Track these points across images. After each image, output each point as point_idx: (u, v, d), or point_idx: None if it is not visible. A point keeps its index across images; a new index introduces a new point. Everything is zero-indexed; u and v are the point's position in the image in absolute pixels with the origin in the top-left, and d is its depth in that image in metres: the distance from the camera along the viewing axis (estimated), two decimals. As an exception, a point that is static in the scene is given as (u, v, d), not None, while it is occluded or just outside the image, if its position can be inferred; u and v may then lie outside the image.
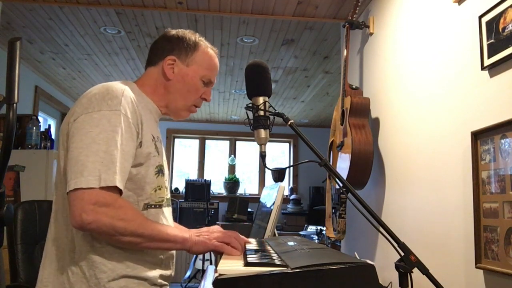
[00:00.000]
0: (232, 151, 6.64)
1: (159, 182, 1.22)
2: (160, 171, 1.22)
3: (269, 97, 1.21)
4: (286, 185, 6.58)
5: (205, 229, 1.23)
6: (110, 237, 1.07)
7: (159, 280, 1.20)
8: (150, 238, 1.09)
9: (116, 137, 1.07)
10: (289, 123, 1.19)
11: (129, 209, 1.09)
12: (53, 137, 3.69)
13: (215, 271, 0.91)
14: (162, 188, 1.23)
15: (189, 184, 5.84)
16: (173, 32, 1.33)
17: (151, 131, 1.21)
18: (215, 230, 1.21)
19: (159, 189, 1.22)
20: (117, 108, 1.09)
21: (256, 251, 1.16)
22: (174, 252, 1.29)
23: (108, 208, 1.03)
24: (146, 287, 1.16)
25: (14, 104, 0.79)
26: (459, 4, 1.54)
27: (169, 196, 1.32)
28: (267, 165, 1.23)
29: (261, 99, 1.20)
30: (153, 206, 1.20)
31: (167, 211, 1.28)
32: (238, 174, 6.53)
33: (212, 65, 1.34)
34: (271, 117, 1.21)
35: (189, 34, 1.33)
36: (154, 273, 1.18)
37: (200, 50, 1.32)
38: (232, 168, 6.57)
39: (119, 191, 1.07)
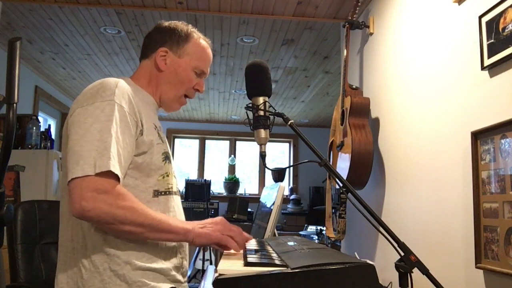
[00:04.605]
0: (232, 151, 6.64)
1: (167, 168, 1.22)
2: (167, 157, 1.23)
3: (269, 97, 1.21)
4: (286, 185, 6.58)
5: (209, 220, 1.21)
6: (110, 226, 1.06)
7: (173, 273, 1.19)
8: (151, 228, 1.08)
9: (109, 125, 1.06)
10: (289, 123, 1.19)
11: (129, 198, 1.07)
12: (53, 137, 3.69)
13: (215, 271, 0.91)
14: (170, 175, 1.24)
15: (189, 184, 5.84)
16: (166, 23, 1.34)
17: (152, 120, 1.22)
18: (220, 222, 1.20)
19: (167, 176, 1.23)
20: (111, 98, 1.10)
21: (256, 251, 1.16)
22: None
23: (107, 195, 1.02)
24: (161, 281, 1.15)
25: (14, 104, 0.79)
26: (459, 4, 1.54)
27: (177, 184, 1.32)
28: (267, 165, 1.23)
29: (261, 99, 1.20)
30: (162, 193, 1.20)
31: (177, 199, 1.28)
32: (238, 174, 6.53)
33: (204, 56, 1.34)
34: (271, 117, 1.21)
35: (182, 25, 1.34)
36: (168, 264, 1.18)
37: (192, 41, 1.32)
38: (232, 168, 6.57)
39: (117, 179, 1.06)
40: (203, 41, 1.35)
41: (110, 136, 1.05)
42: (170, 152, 1.29)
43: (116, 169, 1.04)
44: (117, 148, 1.06)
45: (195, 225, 1.16)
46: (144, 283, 1.10)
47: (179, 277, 1.22)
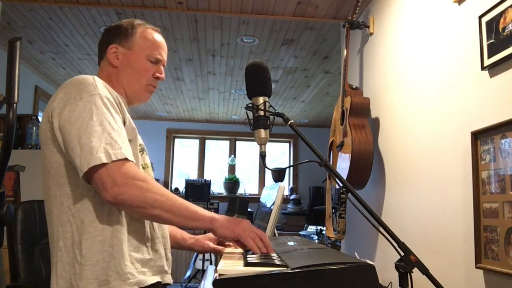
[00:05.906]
0: (232, 151, 6.64)
1: (144, 160, 1.26)
2: (143, 149, 1.26)
3: (269, 97, 1.21)
4: (286, 185, 6.58)
5: (235, 218, 1.23)
6: (140, 210, 1.08)
7: (158, 263, 1.20)
8: (179, 213, 1.10)
9: (107, 117, 1.10)
10: (289, 123, 1.19)
11: (154, 182, 1.10)
12: (53, 137, 3.68)
13: (215, 271, 0.91)
14: (149, 166, 1.27)
15: (189, 184, 5.84)
16: (113, 24, 1.37)
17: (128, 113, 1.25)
18: (245, 222, 1.20)
19: (147, 167, 1.26)
20: (96, 92, 1.12)
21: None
22: (167, 232, 1.30)
23: (135, 180, 1.06)
24: (148, 273, 1.15)
25: (14, 104, 0.79)
26: (459, 4, 1.54)
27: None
28: (267, 165, 1.23)
29: (261, 99, 1.20)
30: None
31: None
32: (238, 174, 6.53)
33: (154, 42, 1.34)
34: (271, 117, 1.21)
35: (126, 21, 1.36)
36: (153, 255, 1.19)
37: (139, 31, 1.33)
38: (232, 168, 6.56)
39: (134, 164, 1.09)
40: (151, 30, 1.36)
41: (111, 128, 1.08)
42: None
43: (130, 156, 1.08)
44: (122, 138, 1.10)
45: (221, 217, 1.17)
46: (132, 275, 1.11)
47: (166, 267, 1.23)
